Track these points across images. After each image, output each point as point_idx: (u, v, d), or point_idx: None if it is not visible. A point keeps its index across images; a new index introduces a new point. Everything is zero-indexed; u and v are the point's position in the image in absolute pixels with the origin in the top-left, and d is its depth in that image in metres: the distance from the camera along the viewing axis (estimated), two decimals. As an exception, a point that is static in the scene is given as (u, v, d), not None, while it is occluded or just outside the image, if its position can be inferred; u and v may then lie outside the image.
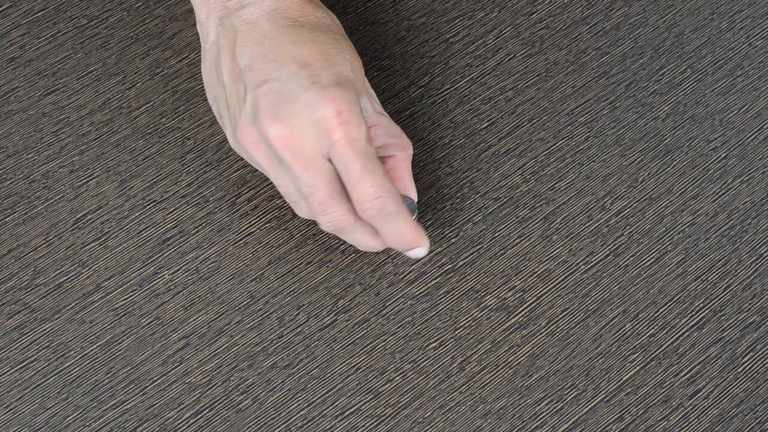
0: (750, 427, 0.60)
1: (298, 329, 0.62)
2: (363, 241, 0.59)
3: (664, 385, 0.61)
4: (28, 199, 0.64)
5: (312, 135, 0.56)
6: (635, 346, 0.62)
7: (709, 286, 0.64)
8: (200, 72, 0.69)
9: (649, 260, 0.65)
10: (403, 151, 0.61)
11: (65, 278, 0.62)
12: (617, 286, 0.64)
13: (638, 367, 0.62)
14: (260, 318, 0.62)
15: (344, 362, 0.61)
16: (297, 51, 0.57)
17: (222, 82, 0.59)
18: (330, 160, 0.57)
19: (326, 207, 0.57)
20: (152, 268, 0.63)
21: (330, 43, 0.58)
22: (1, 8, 0.70)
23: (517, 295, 0.63)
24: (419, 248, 0.59)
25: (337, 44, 0.58)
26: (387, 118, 0.61)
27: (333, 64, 0.56)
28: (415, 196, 0.62)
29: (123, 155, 0.66)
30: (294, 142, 0.56)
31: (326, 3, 0.72)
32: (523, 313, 0.63)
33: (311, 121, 0.55)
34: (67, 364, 0.60)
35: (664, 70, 0.71)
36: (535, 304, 0.63)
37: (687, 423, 0.60)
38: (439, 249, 0.64)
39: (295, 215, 0.65)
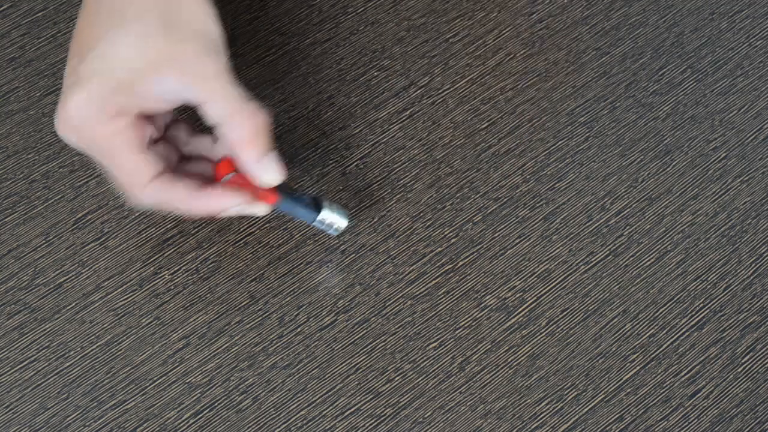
0: (750, 427, 0.60)
1: (298, 329, 0.62)
2: (184, 210, 0.57)
3: (664, 385, 0.61)
4: (28, 199, 0.64)
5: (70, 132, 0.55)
6: (635, 346, 0.62)
7: (709, 286, 0.64)
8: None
9: (649, 260, 0.65)
10: (240, 135, 0.56)
11: (65, 278, 0.62)
12: (617, 286, 0.64)
13: (638, 367, 0.62)
14: (260, 318, 0.62)
15: (344, 362, 0.61)
16: (76, 37, 0.54)
17: None
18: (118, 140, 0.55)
19: (123, 190, 0.56)
20: (152, 268, 0.63)
21: (98, 23, 0.54)
22: (1, 8, 0.70)
23: (517, 295, 0.63)
24: (233, 208, 0.57)
25: (100, 27, 0.54)
26: (229, 102, 0.55)
27: (89, 57, 0.53)
28: (273, 177, 0.57)
29: (123, 155, 0.66)
30: (66, 134, 0.55)
31: (325, 3, 0.72)
32: (523, 313, 0.63)
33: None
34: (67, 364, 0.60)
35: (664, 70, 0.71)
36: (535, 304, 0.63)
37: (687, 423, 0.60)
38: (439, 249, 0.64)
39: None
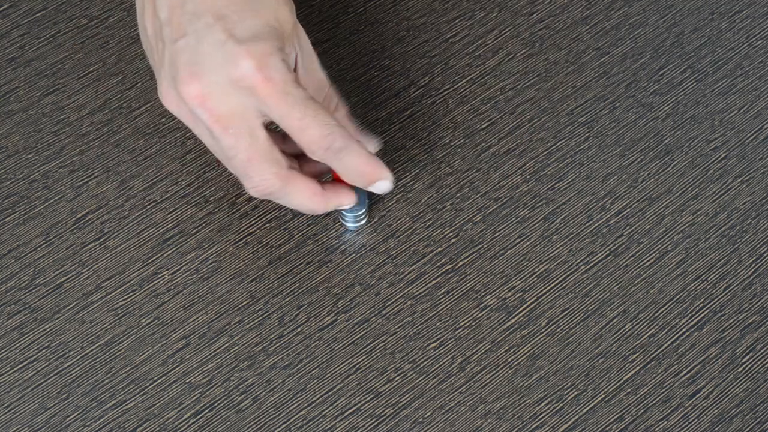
0: (750, 427, 0.60)
1: (298, 329, 0.62)
2: (301, 204, 0.57)
3: (664, 385, 0.61)
4: (28, 199, 0.64)
5: (233, 93, 0.53)
6: (635, 346, 0.62)
7: (709, 286, 0.64)
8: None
9: (649, 260, 0.65)
10: (335, 112, 0.59)
11: (65, 278, 0.62)
12: (617, 286, 0.64)
13: (638, 367, 0.62)
14: (260, 318, 0.62)
15: (344, 362, 0.61)
16: (214, 1, 0.53)
17: (147, 37, 0.56)
18: (262, 118, 0.55)
19: (248, 170, 0.55)
20: (152, 268, 0.63)
21: None
22: (1, 8, 0.70)
23: (517, 295, 0.63)
24: (382, 181, 0.57)
25: None
26: (320, 78, 0.58)
27: (254, 13, 0.53)
28: (372, 147, 0.61)
29: (123, 155, 0.66)
30: (212, 101, 0.53)
31: (325, 3, 0.72)
32: (523, 313, 0.63)
33: (231, 79, 0.53)
34: (67, 364, 0.60)
35: (664, 70, 0.71)
36: (535, 304, 0.63)
37: (687, 423, 0.60)
38: (439, 249, 0.64)
39: (295, 215, 0.65)
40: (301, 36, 0.57)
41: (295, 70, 0.57)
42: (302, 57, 0.56)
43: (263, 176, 0.55)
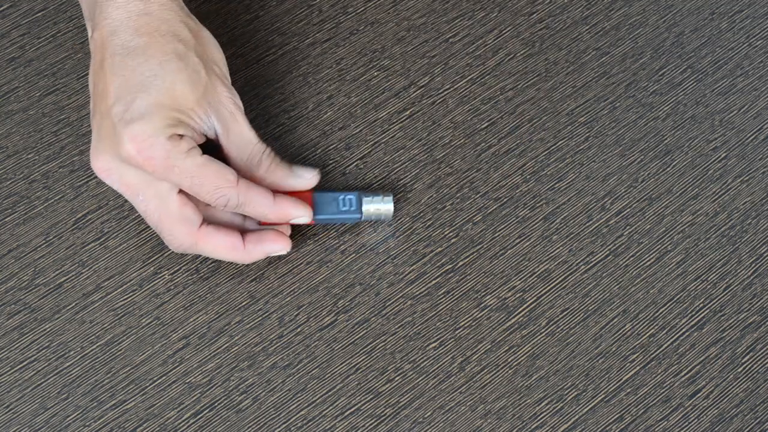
0: (750, 427, 0.60)
1: (298, 329, 0.62)
2: (222, 257, 0.60)
3: (664, 385, 0.61)
4: (28, 199, 0.64)
5: (130, 169, 0.58)
6: (635, 346, 0.62)
7: (709, 286, 0.64)
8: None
9: (649, 260, 0.65)
10: (258, 167, 0.61)
11: (65, 278, 0.62)
12: (617, 286, 0.64)
13: (638, 367, 0.62)
14: (260, 318, 0.62)
15: (344, 362, 0.61)
16: (115, 82, 0.57)
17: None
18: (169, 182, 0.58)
19: (160, 230, 0.59)
20: (152, 268, 0.63)
21: (155, 64, 0.57)
22: (1, 8, 0.70)
23: (517, 295, 0.63)
24: (297, 219, 0.61)
25: (165, 65, 0.57)
26: (244, 138, 0.60)
27: (145, 94, 0.56)
28: (309, 181, 0.62)
29: (123, 155, 0.66)
30: (115, 174, 0.58)
31: (325, 3, 0.72)
32: (523, 313, 0.63)
33: (122, 159, 0.57)
34: (67, 364, 0.60)
35: (664, 70, 0.71)
36: (535, 304, 0.63)
37: (687, 423, 0.60)
38: (439, 249, 0.64)
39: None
40: (222, 102, 0.59)
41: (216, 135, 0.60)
42: (220, 121, 0.59)
43: (173, 235, 0.59)
